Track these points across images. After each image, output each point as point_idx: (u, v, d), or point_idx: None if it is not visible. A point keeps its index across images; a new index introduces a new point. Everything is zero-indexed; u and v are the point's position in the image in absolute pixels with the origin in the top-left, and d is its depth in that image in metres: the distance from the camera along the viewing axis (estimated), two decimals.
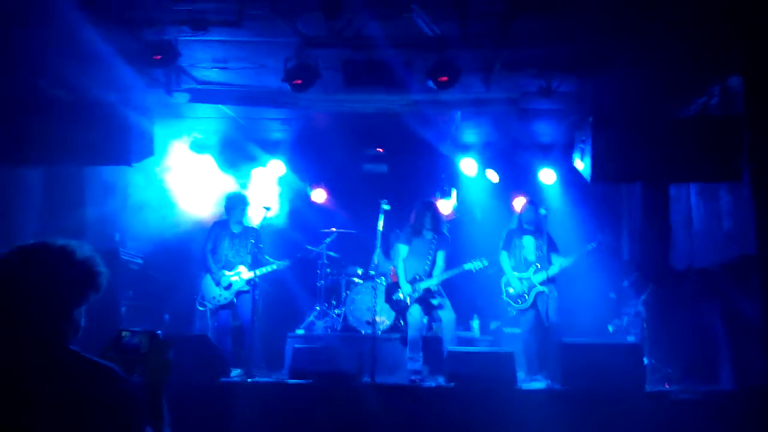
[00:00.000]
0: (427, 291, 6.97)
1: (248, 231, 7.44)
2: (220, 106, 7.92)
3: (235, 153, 9.28)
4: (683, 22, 5.72)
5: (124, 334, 2.07)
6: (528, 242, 7.42)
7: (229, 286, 7.21)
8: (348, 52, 6.26)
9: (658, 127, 6.43)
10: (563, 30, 5.94)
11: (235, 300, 7.21)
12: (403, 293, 7.01)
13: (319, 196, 9.69)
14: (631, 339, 7.55)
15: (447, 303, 7.01)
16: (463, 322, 8.28)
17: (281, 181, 9.42)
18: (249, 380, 6.38)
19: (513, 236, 7.50)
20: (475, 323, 8.69)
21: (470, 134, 9.13)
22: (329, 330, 8.37)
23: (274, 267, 7.29)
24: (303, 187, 9.66)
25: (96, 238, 7.09)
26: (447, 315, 6.97)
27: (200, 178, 8.85)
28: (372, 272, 8.08)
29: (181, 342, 6.06)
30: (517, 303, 7.27)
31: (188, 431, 2.73)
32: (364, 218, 8.36)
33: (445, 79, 6.09)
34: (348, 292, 8.47)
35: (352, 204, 9.40)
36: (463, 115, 8.23)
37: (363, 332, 7.94)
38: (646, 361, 6.62)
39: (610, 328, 8.06)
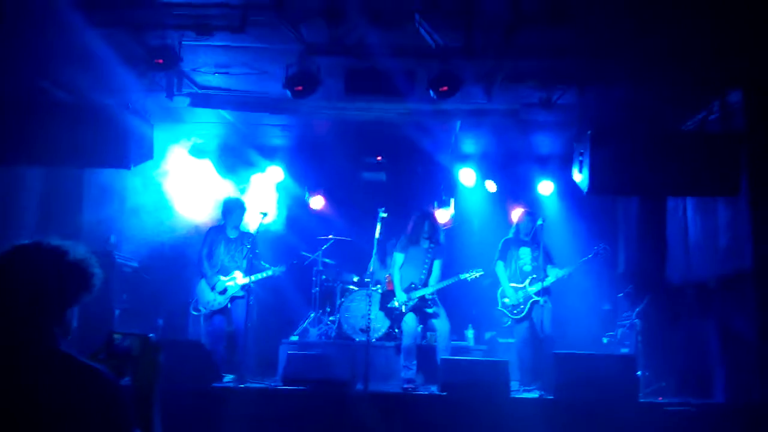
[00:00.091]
0: (423, 300, 6.96)
1: (245, 236, 7.43)
2: (220, 111, 7.94)
3: (234, 158, 9.29)
4: (684, 38, 5.74)
5: (115, 336, 2.05)
6: (524, 253, 7.41)
7: (224, 291, 7.20)
8: (350, 60, 6.28)
9: (657, 141, 6.45)
10: (567, 43, 5.96)
11: (229, 305, 7.19)
12: (398, 301, 7.01)
13: (317, 202, 9.70)
14: (624, 351, 7.55)
15: (442, 312, 7.00)
16: (457, 331, 8.28)
17: (280, 187, 9.42)
18: (242, 386, 6.36)
19: (509, 246, 7.49)
20: (470, 333, 8.70)
21: (469, 144, 9.16)
22: (323, 337, 8.36)
23: (270, 273, 7.28)
24: (301, 193, 9.66)
25: (92, 240, 7.08)
26: (442, 324, 6.96)
27: (198, 182, 8.84)
28: (367, 280, 8.08)
29: (174, 347, 6.07)
30: (513, 313, 7.25)
31: None
32: (362, 226, 8.35)
33: (445, 89, 6.10)
34: (343, 299, 8.46)
35: (349, 211, 9.40)
36: (462, 125, 8.25)
37: (357, 340, 7.94)
38: (639, 373, 6.62)
39: (605, 340, 8.06)
